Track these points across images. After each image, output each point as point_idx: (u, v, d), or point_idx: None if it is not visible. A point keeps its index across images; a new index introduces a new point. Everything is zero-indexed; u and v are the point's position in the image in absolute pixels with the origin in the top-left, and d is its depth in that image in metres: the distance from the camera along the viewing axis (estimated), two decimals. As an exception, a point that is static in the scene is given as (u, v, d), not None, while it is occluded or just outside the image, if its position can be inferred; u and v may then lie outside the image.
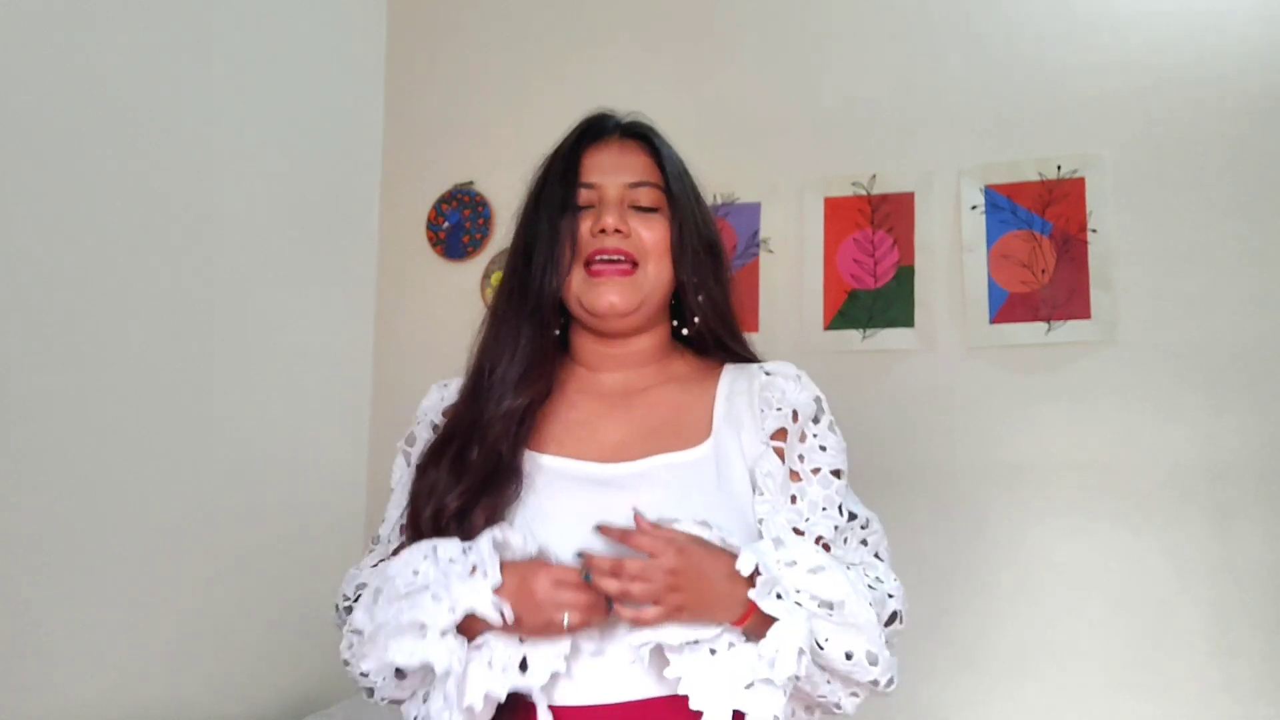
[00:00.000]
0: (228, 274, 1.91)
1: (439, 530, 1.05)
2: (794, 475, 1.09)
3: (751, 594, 0.95)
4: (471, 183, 2.32)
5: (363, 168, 2.36)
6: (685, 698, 0.98)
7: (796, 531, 1.06)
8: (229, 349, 1.91)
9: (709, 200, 1.21)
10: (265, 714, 1.95)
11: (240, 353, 1.94)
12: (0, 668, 1.48)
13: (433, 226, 2.34)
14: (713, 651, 0.96)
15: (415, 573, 0.99)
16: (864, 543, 1.11)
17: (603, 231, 1.09)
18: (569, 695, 0.99)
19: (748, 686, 0.94)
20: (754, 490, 1.07)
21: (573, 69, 2.25)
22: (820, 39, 2.09)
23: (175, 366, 1.79)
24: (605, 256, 1.09)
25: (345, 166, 2.30)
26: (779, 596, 0.96)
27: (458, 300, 2.24)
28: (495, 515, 1.03)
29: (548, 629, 0.95)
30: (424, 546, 1.01)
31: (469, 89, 2.35)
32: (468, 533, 1.02)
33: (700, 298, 1.15)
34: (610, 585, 0.92)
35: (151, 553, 1.72)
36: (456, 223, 2.32)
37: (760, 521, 1.05)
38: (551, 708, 0.99)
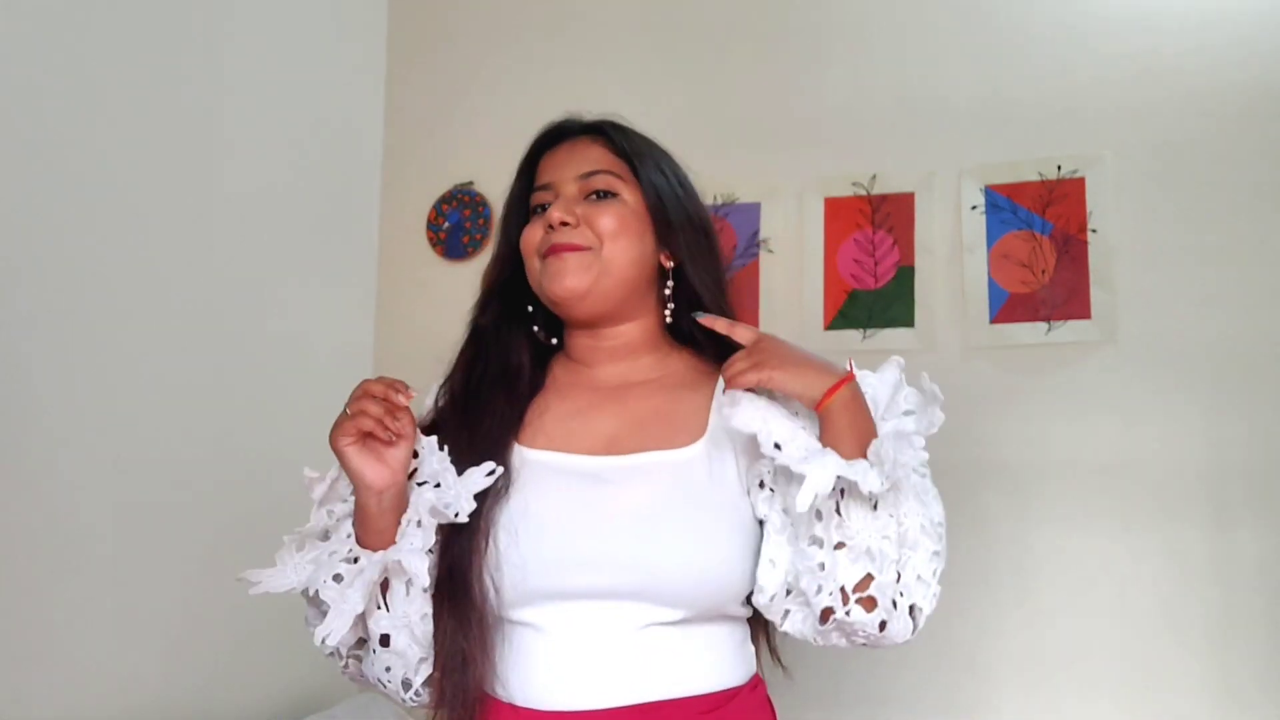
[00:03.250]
0: (227, 274, 1.91)
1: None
2: None
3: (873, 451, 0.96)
4: (471, 183, 2.32)
5: (363, 168, 2.36)
6: (668, 703, 0.99)
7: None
8: (228, 349, 1.91)
9: (709, 201, 1.20)
10: (265, 714, 1.95)
11: (239, 353, 1.94)
12: (0, 669, 1.48)
13: (433, 226, 2.34)
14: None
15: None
16: None
17: (551, 227, 1.10)
18: (552, 700, 0.99)
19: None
20: (762, 489, 1.05)
21: (573, 69, 2.25)
22: (820, 39, 2.09)
23: (174, 367, 1.79)
24: (556, 250, 1.10)
25: (345, 166, 2.30)
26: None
27: (458, 300, 2.21)
28: (471, 523, 1.03)
29: (380, 454, 0.99)
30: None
31: (469, 89, 2.35)
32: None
33: (694, 278, 1.14)
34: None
35: (150, 552, 1.72)
36: (456, 223, 2.32)
37: (762, 521, 1.05)
38: (533, 712, 0.99)
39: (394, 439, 0.99)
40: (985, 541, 1.85)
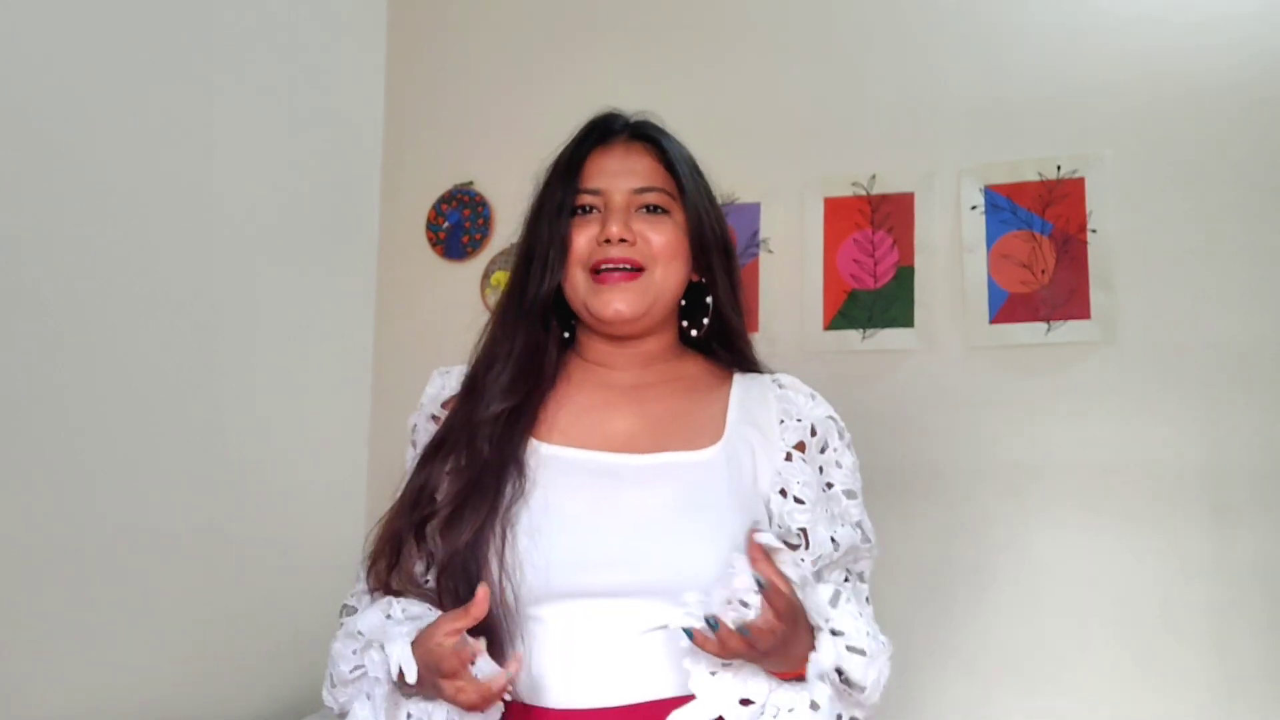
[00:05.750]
0: (228, 274, 1.91)
1: (427, 531, 1.06)
2: None
3: (810, 670, 0.95)
4: (471, 183, 2.32)
5: (363, 168, 2.36)
6: (676, 700, 0.99)
7: (832, 541, 1.08)
8: (229, 349, 1.91)
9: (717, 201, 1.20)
10: (265, 714, 1.95)
11: (240, 353, 1.94)
12: (3, 671, 1.48)
13: (432, 226, 2.34)
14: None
15: (354, 653, 1.00)
16: (860, 577, 1.13)
17: (607, 241, 1.08)
18: (563, 697, 1.00)
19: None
20: (784, 497, 1.07)
21: (573, 69, 2.25)
22: (821, 39, 2.09)
23: (175, 367, 1.79)
24: (611, 265, 1.08)
25: (345, 166, 2.30)
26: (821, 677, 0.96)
27: (458, 300, 2.24)
28: (492, 519, 1.02)
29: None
30: (369, 621, 1.01)
31: (469, 89, 2.35)
32: (454, 540, 1.03)
33: (712, 298, 1.15)
34: (734, 644, 0.89)
35: (150, 553, 1.72)
36: (456, 223, 2.32)
37: (802, 531, 1.06)
38: (545, 710, 1.00)
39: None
40: (985, 541, 1.85)
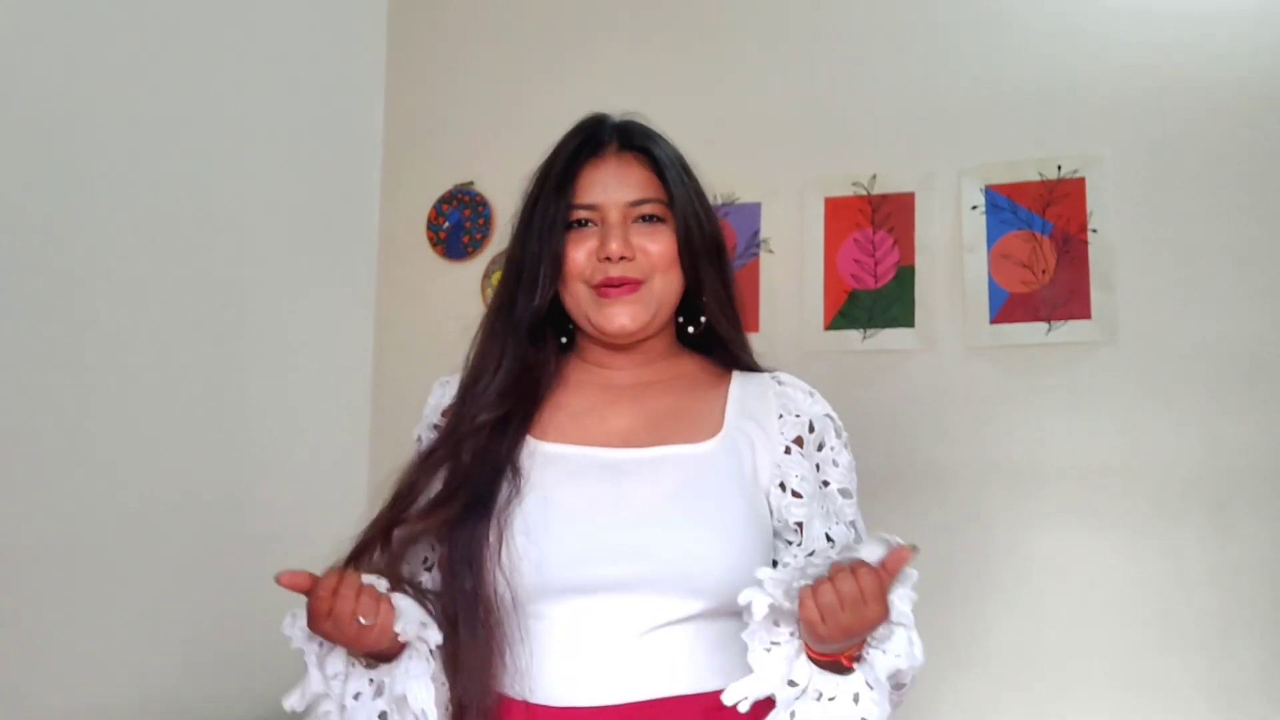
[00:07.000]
0: (228, 274, 1.91)
1: (395, 536, 1.06)
2: None
3: (881, 668, 0.96)
4: (471, 183, 2.32)
5: (363, 168, 2.36)
6: (678, 699, 0.99)
7: (828, 538, 1.08)
8: (229, 349, 1.91)
9: (709, 199, 1.20)
10: (264, 714, 1.95)
11: (240, 353, 1.94)
12: (2, 669, 1.48)
13: (433, 226, 2.34)
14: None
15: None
16: None
17: (607, 258, 1.08)
18: (565, 695, 1.00)
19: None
20: (783, 490, 1.07)
21: (573, 69, 2.25)
22: (821, 39, 2.09)
23: (175, 367, 1.79)
24: (612, 284, 1.08)
25: (345, 166, 2.30)
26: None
27: (458, 300, 2.24)
28: (485, 522, 1.02)
29: (361, 636, 0.97)
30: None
31: (469, 89, 2.35)
32: (440, 540, 1.04)
33: (706, 299, 1.15)
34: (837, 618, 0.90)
35: (151, 552, 1.73)
36: (456, 223, 2.32)
37: (799, 525, 1.06)
38: (548, 709, 1.00)
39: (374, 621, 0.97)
40: (984, 541, 1.85)
